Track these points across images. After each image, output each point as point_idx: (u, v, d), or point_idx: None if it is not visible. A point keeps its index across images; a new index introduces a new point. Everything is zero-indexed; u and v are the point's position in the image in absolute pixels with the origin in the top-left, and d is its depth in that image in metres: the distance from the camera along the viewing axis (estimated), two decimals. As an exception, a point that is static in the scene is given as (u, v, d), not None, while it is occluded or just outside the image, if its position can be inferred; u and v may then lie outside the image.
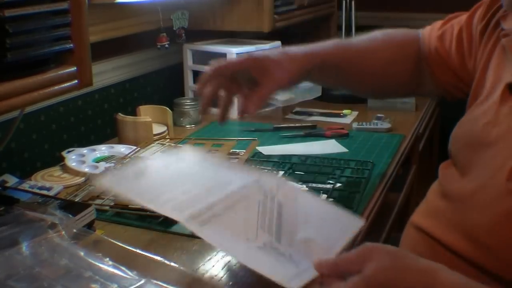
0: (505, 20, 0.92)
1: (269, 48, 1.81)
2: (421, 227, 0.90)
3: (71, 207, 0.96)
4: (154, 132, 1.46)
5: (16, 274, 0.74)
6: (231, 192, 0.84)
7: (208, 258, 0.92)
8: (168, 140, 1.47)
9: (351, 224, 0.87)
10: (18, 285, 0.72)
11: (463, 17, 1.04)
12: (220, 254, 0.92)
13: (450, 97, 1.10)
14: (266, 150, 1.43)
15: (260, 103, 0.96)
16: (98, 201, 1.09)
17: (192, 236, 0.96)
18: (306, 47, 1.04)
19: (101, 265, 0.78)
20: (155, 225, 1.02)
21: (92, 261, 0.78)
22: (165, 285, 0.76)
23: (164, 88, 1.85)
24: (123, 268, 0.77)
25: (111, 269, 0.77)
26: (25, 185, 1.17)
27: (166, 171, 0.91)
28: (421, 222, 0.91)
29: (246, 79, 1.00)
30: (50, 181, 1.23)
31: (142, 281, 0.75)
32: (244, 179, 0.88)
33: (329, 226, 0.86)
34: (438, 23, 1.10)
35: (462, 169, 0.87)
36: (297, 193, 0.91)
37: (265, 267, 0.75)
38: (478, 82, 0.94)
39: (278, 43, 1.85)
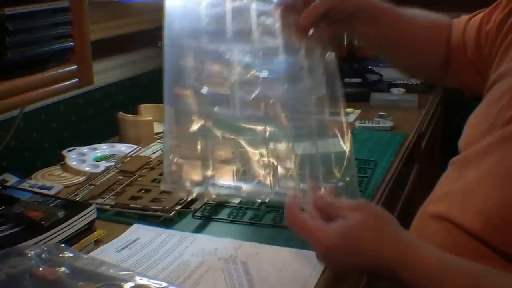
0: None
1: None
2: (433, 212, 0.87)
3: (72, 206, 0.95)
4: (156, 131, 1.45)
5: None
6: (191, 271, 0.85)
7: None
8: (169, 138, 1.46)
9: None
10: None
11: (486, 11, 1.01)
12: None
13: (469, 93, 1.07)
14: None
15: (312, 16, 0.93)
16: (98, 201, 1.08)
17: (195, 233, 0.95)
18: None
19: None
20: (156, 224, 1.01)
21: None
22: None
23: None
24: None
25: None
26: (25, 185, 1.17)
27: None
28: (433, 208, 0.88)
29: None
30: (51, 180, 1.23)
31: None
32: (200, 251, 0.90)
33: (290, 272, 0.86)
34: (464, 17, 1.07)
35: (476, 155, 0.84)
36: (257, 248, 0.92)
37: None
38: (493, 72, 0.90)
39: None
